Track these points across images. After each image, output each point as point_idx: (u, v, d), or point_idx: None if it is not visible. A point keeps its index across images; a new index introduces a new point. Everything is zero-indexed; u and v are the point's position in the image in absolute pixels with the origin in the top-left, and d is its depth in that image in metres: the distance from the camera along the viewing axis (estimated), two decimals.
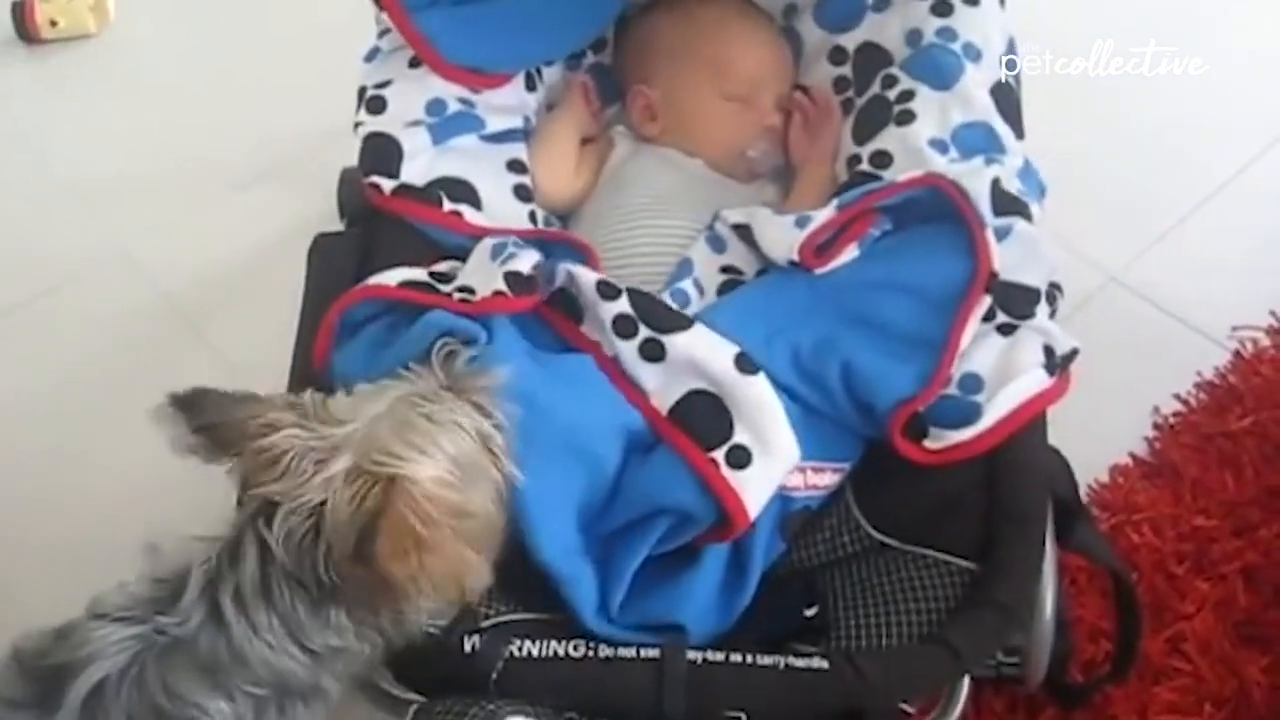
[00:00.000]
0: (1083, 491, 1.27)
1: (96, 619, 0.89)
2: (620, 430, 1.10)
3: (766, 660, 0.98)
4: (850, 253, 1.20)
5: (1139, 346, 1.57)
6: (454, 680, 0.98)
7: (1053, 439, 1.14)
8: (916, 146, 1.26)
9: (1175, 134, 1.81)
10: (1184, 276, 1.65)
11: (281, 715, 0.92)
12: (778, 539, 1.12)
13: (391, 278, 1.17)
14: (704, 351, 1.11)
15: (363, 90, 1.31)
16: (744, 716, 0.97)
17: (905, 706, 1.04)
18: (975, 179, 1.19)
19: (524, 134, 1.37)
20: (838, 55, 1.43)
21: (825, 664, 0.98)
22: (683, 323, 1.13)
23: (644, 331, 1.13)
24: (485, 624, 1.04)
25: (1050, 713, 1.25)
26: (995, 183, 1.20)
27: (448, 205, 1.25)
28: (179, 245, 1.74)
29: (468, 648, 0.99)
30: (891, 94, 1.32)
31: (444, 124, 1.30)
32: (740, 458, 1.06)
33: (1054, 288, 1.18)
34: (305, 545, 0.88)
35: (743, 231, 1.27)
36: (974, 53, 1.31)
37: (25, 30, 2.04)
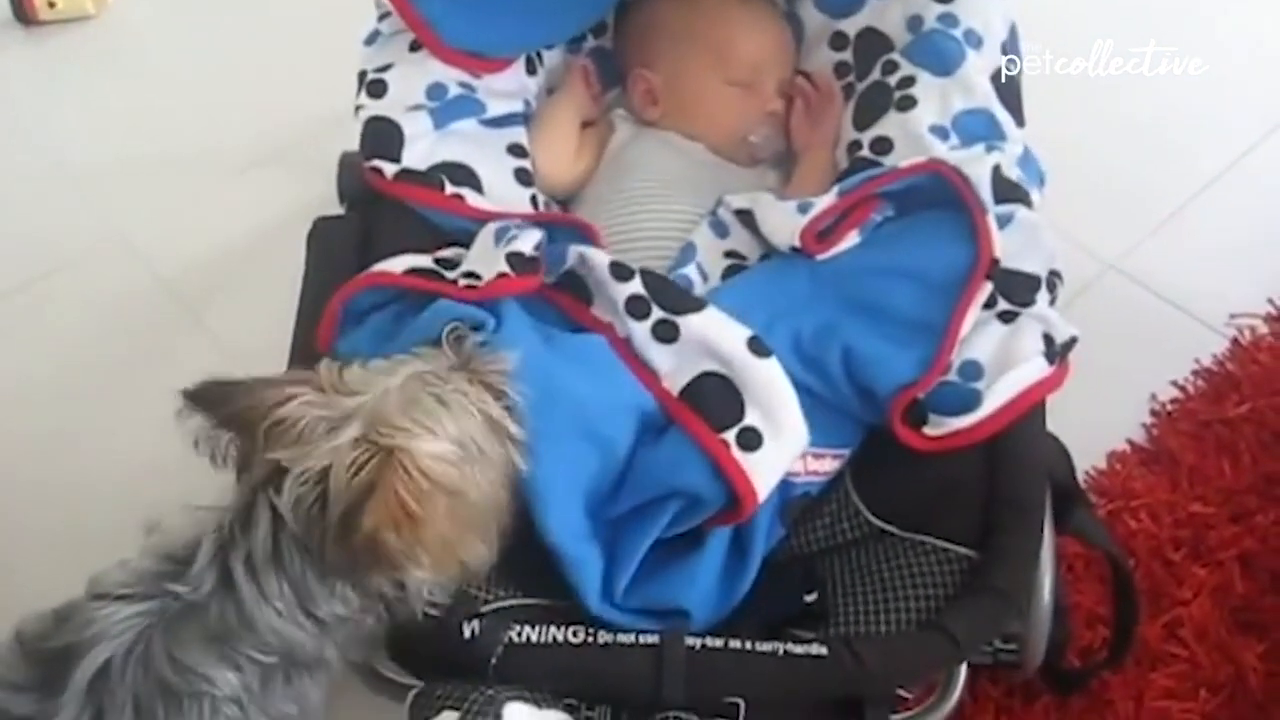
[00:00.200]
0: (1080, 478, 1.28)
1: (98, 599, 0.89)
2: (632, 411, 1.10)
3: (765, 647, 0.98)
4: (852, 239, 1.20)
5: (1137, 334, 1.58)
6: (453, 665, 0.98)
7: (1051, 426, 1.14)
8: (917, 133, 1.26)
9: (1172, 124, 1.81)
10: (1182, 264, 1.65)
11: (288, 685, 0.92)
12: (778, 524, 1.12)
13: (396, 265, 1.17)
14: (717, 333, 1.11)
15: (363, 74, 1.30)
16: (742, 703, 0.97)
17: (903, 693, 1.04)
18: (976, 165, 1.19)
19: (524, 118, 1.37)
20: (838, 40, 1.43)
21: (824, 651, 0.98)
22: (696, 304, 1.14)
23: (657, 312, 1.13)
24: (485, 609, 1.04)
25: (1047, 699, 1.26)
26: (996, 169, 1.20)
27: (450, 189, 1.25)
28: (177, 229, 1.74)
29: (467, 633, 0.99)
30: (892, 80, 1.32)
31: (445, 108, 1.29)
32: (751, 440, 1.06)
33: (1054, 275, 1.18)
34: (313, 513, 0.89)
35: (745, 217, 1.27)
36: (975, 39, 1.30)
37: (23, 12, 2.03)
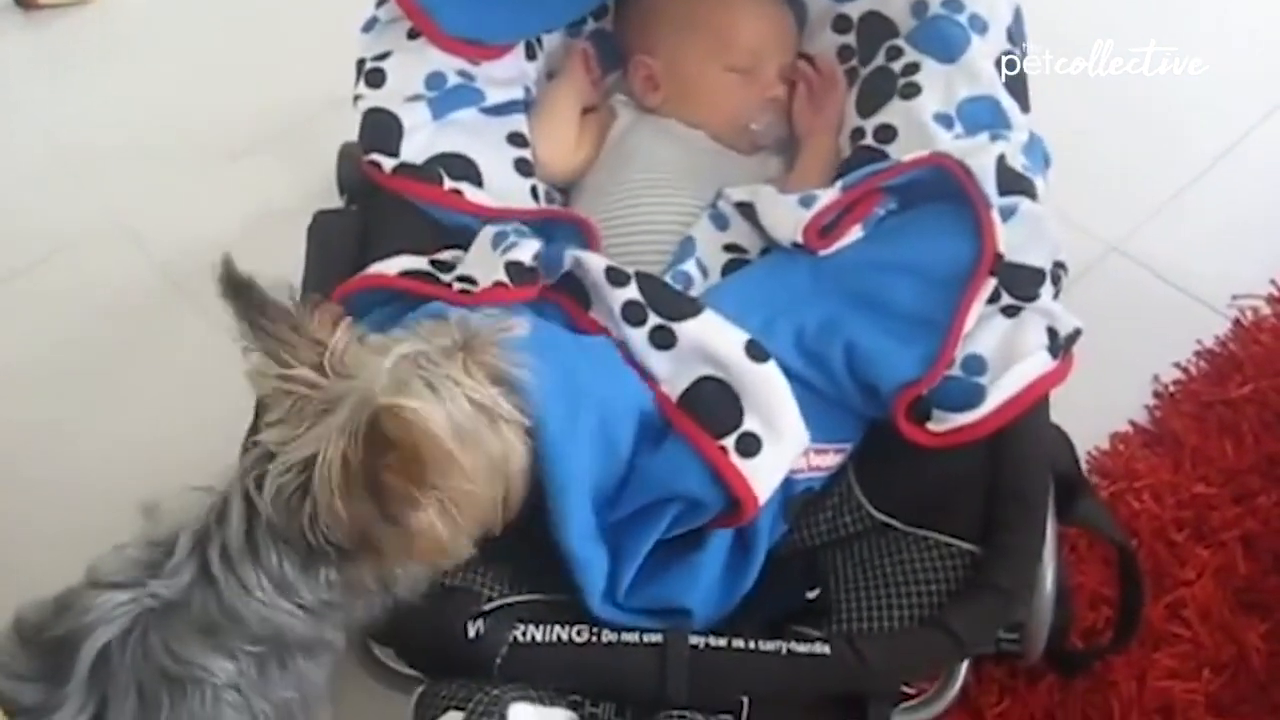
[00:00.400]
0: (1083, 460, 1.28)
1: (93, 587, 0.89)
2: (636, 414, 1.09)
3: (768, 646, 0.99)
4: (855, 233, 1.19)
5: (1139, 315, 1.58)
6: (458, 664, 0.98)
7: (1053, 408, 1.14)
8: (921, 121, 1.25)
9: (1172, 108, 1.80)
10: (1184, 246, 1.65)
11: (284, 670, 0.92)
12: (780, 520, 1.12)
13: (392, 266, 1.16)
14: (714, 338, 1.10)
15: (361, 62, 1.29)
16: (746, 700, 0.97)
17: (904, 688, 1.05)
18: (981, 155, 1.19)
19: (524, 105, 1.36)
20: (842, 23, 1.41)
21: (826, 649, 0.99)
22: (692, 309, 1.13)
23: (653, 319, 1.12)
24: (488, 606, 1.04)
25: (1050, 679, 1.26)
26: (1001, 159, 1.19)
27: (448, 183, 1.24)
28: (175, 214, 1.73)
29: (472, 633, 0.99)
30: (896, 66, 1.31)
31: (443, 97, 1.28)
32: (750, 445, 1.06)
33: (1058, 267, 1.17)
34: (294, 503, 0.87)
35: (746, 210, 1.26)
36: (980, 24, 1.29)
37: None
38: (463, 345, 0.94)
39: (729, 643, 0.99)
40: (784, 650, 0.98)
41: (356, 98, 1.28)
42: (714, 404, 1.08)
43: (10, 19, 2.03)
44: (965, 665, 1.07)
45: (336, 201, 1.43)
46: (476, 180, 1.26)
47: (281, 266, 1.22)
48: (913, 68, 1.30)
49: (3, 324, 1.64)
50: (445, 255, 1.19)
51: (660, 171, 1.33)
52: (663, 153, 1.36)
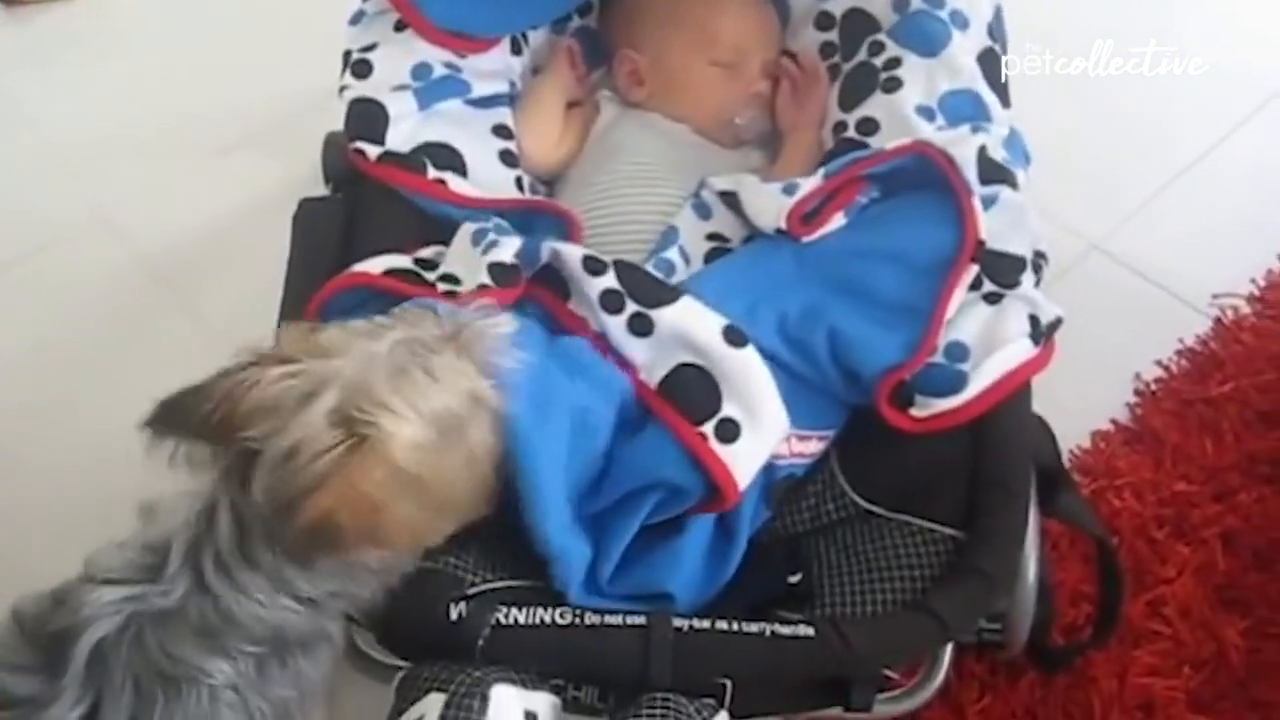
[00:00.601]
0: (1065, 458, 1.29)
1: (90, 582, 0.89)
2: (613, 407, 1.09)
3: (752, 628, 0.99)
4: (837, 221, 1.19)
5: (1121, 313, 1.58)
6: (440, 647, 0.97)
7: (1036, 405, 1.15)
8: (903, 114, 1.26)
9: (1154, 108, 1.81)
10: (1166, 245, 1.66)
11: (284, 668, 0.91)
12: (763, 507, 1.12)
13: (375, 265, 1.15)
14: (692, 324, 1.10)
15: (348, 54, 1.30)
16: (729, 683, 0.97)
17: (889, 673, 1.05)
18: (962, 146, 1.19)
19: (509, 98, 1.36)
20: (824, 20, 1.42)
21: (811, 632, 0.98)
22: (670, 296, 1.12)
23: (631, 306, 1.12)
24: (471, 591, 1.04)
25: (1031, 676, 1.26)
26: (982, 150, 1.20)
27: (432, 173, 1.24)
28: (161, 208, 1.72)
29: (454, 615, 0.98)
30: (878, 61, 1.32)
31: (429, 88, 1.29)
32: (729, 431, 1.06)
33: (1039, 256, 1.18)
34: (284, 497, 0.85)
35: (729, 199, 1.27)
36: (961, 20, 1.30)
37: None
38: (453, 336, 0.94)
39: (713, 624, 0.99)
40: (768, 632, 0.98)
41: (342, 88, 1.28)
42: (692, 390, 1.07)
43: None
44: (948, 657, 1.07)
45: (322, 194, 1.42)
46: (461, 170, 1.26)
47: (270, 261, 1.23)
48: (894, 62, 1.30)
49: None
50: (428, 253, 1.19)
51: (644, 164, 1.33)
52: (647, 146, 1.36)
